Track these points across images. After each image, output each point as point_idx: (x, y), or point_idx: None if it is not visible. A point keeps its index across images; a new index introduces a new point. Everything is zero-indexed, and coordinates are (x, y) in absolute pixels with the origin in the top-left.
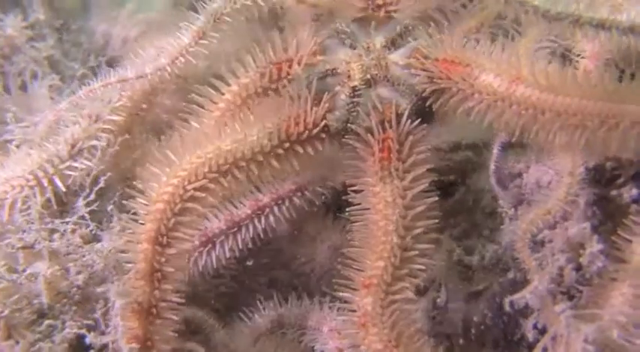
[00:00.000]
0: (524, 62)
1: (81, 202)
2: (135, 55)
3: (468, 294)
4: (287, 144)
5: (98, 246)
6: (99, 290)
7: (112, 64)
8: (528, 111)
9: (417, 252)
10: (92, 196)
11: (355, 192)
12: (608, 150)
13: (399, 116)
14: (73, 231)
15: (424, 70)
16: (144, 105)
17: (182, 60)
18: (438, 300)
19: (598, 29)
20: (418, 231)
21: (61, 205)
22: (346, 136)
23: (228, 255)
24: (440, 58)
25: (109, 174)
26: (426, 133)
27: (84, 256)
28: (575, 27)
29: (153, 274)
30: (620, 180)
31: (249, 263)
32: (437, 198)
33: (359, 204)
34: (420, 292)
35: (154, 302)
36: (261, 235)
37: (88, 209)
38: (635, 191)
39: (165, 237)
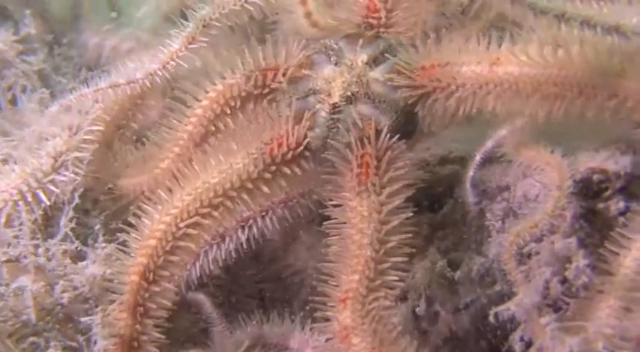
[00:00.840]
0: (503, 47)
1: (64, 219)
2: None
3: (455, 306)
4: (273, 168)
5: (86, 270)
6: (83, 312)
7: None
8: (512, 88)
9: (390, 264)
10: (72, 213)
11: (333, 206)
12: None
13: (378, 132)
14: (60, 249)
15: (405, 84)
16: (128, 113)
17: (173, 64)
18: (417, 309)
19: (583, 26)
20: (392, 244)
21: (46, 219)
22: (325, 152)
23: (212, 265)
24: (419, 67)
25: (86, 188)
26: (404, 149)
27: (69, 276)
28: (560, 22)
29: (136, 308)
30: (607, 192)
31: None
32: (411, 214)
33: (336, 218)
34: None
35: (135, 335)
36: (252, 245)
37: (71, 225)
38: (622, 204)
39: (152, 274)
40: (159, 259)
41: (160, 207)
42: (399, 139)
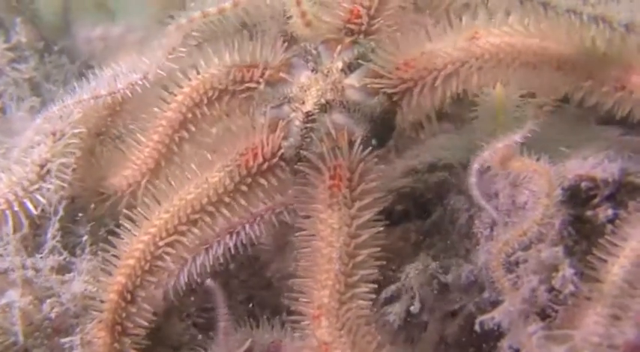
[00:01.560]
0: (479, 22)
1: (50, 231)
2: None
3: (444, 313)
4: (249, 179)
5: (71, 286)
6: (71, 328)
7: None
8: (493, 58)
9: (359, 277)
10: (58, 225)
11: (303, 217)
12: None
13: (351, 143)
14: (48, 262)
15: (386, 84)
16: (108, 120)
17: (153, 74)
18: (412, 308)
19: (569, 13)
20: (361, 258)
21: (35, 228)
22: (298, 163)
23: (200, 271)
24: (397, 66)
25: (73, 195)
26: (377, 161)
27: (57, 291)
28: (545, 9)
29: (114, 326)
30: (595, 200)
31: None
32: (382, 228)
33: (306, 230)
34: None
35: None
36: (240, 251)
37: (58, 237)
38: (610, 211)
39: (130, 294)
40: (137, 279)
41: (138, 226)
42: (373, 150)
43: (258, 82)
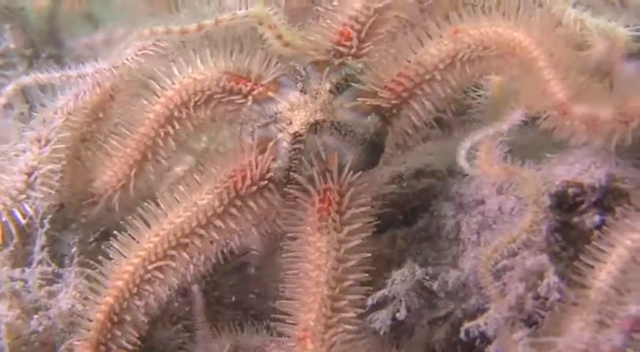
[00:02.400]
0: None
1: (38, 243)
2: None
3: (431, 320)
4: (238, 202)
5: (60, 302)
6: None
7: None
8: (478, 47)
9: (346, 302)
10: (45, 238)
11: (291, 239)
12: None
13: (341, 167)
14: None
15: (381, 101)
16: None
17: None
18: (398, 315)
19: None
20: (349, 283)
21: (24, 237)
22: (288, 185)
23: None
24: (384, 86)
25: (62, 202)
26: (367, 186)
27: (45, 304)
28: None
29: (99, 346)
30: (582, 206)
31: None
32: (370, 255)
33: (294, 252)
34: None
35: None
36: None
37: (47, 248)
38: (597, 218)
39: (117, 316)
40: (124, 302)
41: (128, 248)
42: (363, 173)
43: (246, 97)
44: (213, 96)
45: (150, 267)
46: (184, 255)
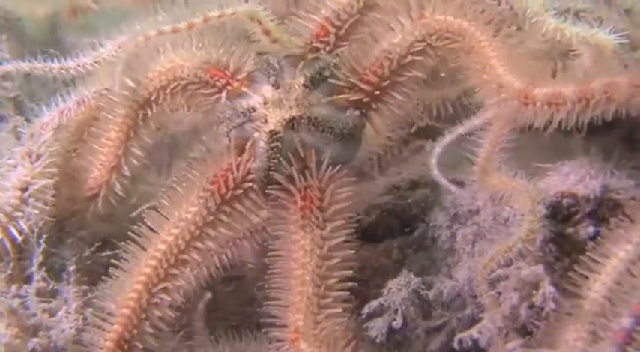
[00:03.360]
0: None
1: (35, 261)
2: None
3: (426, 329)
4: (225, 207)
5: (60, 324)
6: None
7: None
8: (444, 29)
9: (332, 299)
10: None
11: (275, 239)
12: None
13: (320, 163)
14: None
15: (351, 103)
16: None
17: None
18: (394, 323)
19: None
20: (333, 280)
21: (19, 252)
22: (268, 185)
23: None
24: (359, 78)
25: (57, 216)
26: (348, 181)
27: (43, 323)
28: None
29: None
30: (576, 217)
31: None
32: (353, 252)
33: (278, 251)
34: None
35: None
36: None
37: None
38: (591, 229)
39: (127, 344)
40: (134, 329)
41: (129, 274)
42: (342, 168)
43: (220, 91)
44: (188, 86)
45: (154, 290)
46: (186, 270)
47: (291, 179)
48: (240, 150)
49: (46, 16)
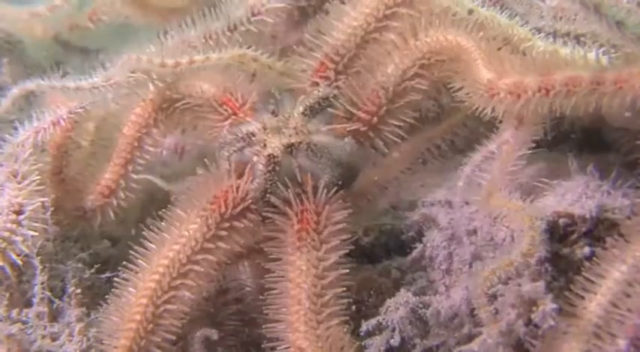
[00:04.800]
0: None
1: (37, 287)
2: None
3: (424, 349)
4: (226, 224)
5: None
6: None
7: None
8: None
9: (328, 313)
10: (45, 277)
11: (271, 260)
12: None
13: (316, 187)
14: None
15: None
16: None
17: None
18: (392, 341)
19: None
20: (328, 297)
21: (19, 275)
22: (265, 209)
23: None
24: (357, 108)
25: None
26: (343, 204)
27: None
28: None
29: None
30: (573, 236)
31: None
32: (347, 271)
33: (275, 272)
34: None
35: None
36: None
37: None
38: (587, 249)
39: None
40: (141, 341)
41: (132, 290)
42: (338, 191)
43: (226, 119)
44: (195, 108)
45: (159, 302)
46: (188, 281)
47: (287, 202)
48: (240, 174)
49: (45, 35)
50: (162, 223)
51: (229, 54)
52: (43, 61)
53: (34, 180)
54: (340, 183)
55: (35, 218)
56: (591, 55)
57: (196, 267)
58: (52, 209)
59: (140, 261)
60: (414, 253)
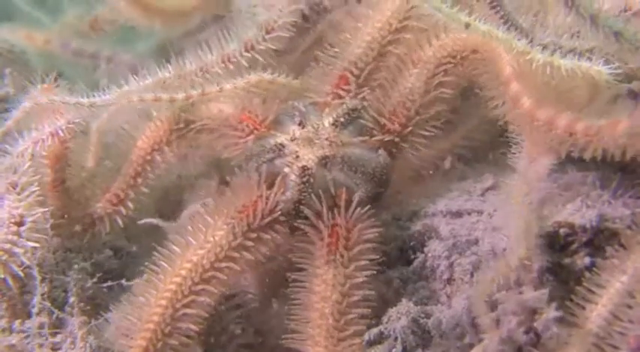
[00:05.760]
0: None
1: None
2: None
3: None
4: (253, 234)
5: None
6: None
7: None
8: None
9: (350, 333)
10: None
11: (298, 270)
12: None
13: (349, 203)
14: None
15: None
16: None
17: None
18: (394, 350)
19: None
20: (352, 316)
21: (21, 286)
22: (297, 219)
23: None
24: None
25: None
26: (374, 222)
27: None
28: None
29: None
30: (573, 246)
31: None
32: (373, 292)
33: (301, 283)
34: None
35: None
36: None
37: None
38: (587, 259)
39: None
40: (158, 343)
41: (153, 292)
42: (369, 209)
43: (248, 135)
44: (217, 129)
45: (178, 305)
46: (209, 287)
47: (319, 215)
48: (270, 185)
49: (45, 43)
50: (189, 227)
51: (244, 81)
52: (46, 71)
53: (34, 191)
54: (372, 199)
55: (36, 229)
56: (592, 69)
57: (219, 274)
58: (56, 218)
59: (162, 262)
60: (416, 263)
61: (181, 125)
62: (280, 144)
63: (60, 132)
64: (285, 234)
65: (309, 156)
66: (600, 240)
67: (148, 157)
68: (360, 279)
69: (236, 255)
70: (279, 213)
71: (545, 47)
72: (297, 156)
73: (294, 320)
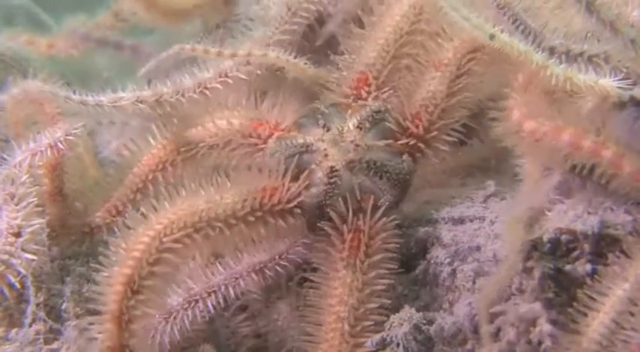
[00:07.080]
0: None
1: (31, 306)
2: None
3: None
4: (259, 213)
5: None
6: None
7: None
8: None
9: (364, 340)
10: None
11: (316, 271)
12: None
13: (374, 208)
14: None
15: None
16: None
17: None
18: None
19: None
20: (368, 323)
21: (18, 296)
22: (320, 220)
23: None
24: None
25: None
26: (396, 232)
27: None
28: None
29: (121, 317)
30: (575, 253)
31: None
32: (390, 301)
33: (318, 283)
34: None
35: (124, 342)
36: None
37: (41, 308)
38: (589, 266)
39: (136, 284)
40: (143, 270)
41: (143, 225)
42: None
43: (265, 141)
44: (232, 141)
45: (165, 239)
46: (195, 236)
47: (342, 218)
48: (294, 177)
49: (49, 48)
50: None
51: (260, 53)
52: (49, 78)
53: (32, 202)
54: (394, 205)
55: (35, 240)
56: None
57: (210, 232)
58: (55, 227)
59: (166, 203)
60: (418, 270)
61: (184, 149)
62: (308, 143)
63: (59, 144)
64: (292, 227)
65: (337, 157)
66: (602, 246)
67: (151, 176)
68: (379, 287)
69: (234, 222)
70: (297, 204)
71: (553, 50)
72: (326, 155)
73: (309, 321)
